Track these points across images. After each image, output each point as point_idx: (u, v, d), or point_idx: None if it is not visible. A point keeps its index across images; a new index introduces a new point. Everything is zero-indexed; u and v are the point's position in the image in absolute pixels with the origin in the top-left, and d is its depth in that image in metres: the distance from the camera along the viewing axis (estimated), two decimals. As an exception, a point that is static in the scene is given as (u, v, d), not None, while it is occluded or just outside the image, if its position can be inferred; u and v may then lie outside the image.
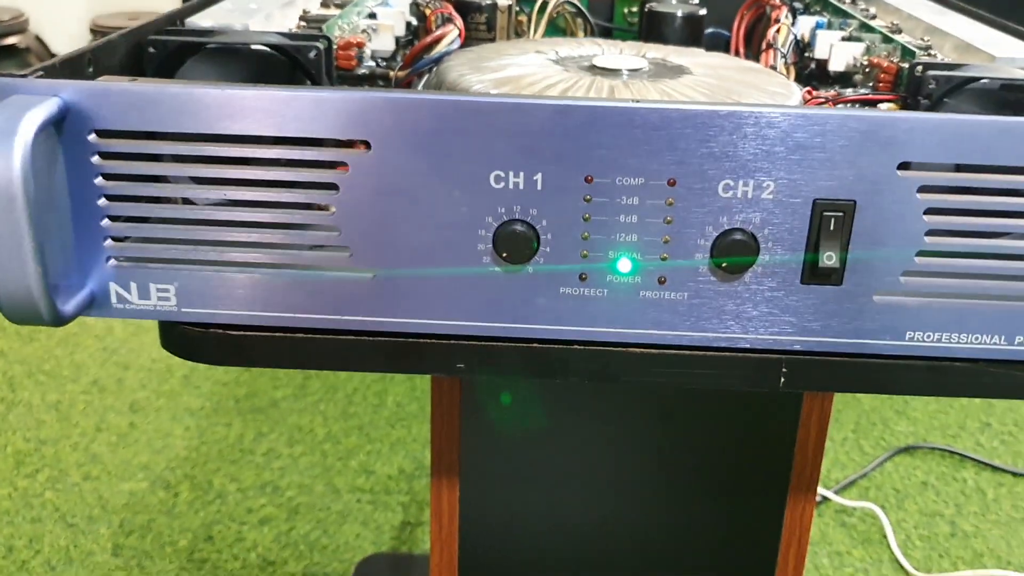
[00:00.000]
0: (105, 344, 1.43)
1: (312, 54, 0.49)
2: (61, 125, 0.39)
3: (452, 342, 0.43)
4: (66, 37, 2.54)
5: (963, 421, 1.32)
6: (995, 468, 1.23)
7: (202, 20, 0.54)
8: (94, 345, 1.42)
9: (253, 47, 0.50)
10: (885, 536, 1.10)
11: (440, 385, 0.58)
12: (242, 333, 0.42)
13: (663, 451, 0.62)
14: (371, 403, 1.33)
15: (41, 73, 0.40)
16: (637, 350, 0.42)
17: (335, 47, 0.52)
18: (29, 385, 1.34)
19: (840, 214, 0.39)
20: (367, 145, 0.39)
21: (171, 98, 0.39)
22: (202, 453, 1.21)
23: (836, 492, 1.17)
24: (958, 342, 0.41)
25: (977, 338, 0.41)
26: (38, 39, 2.47)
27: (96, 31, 2.39)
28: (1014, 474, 1.22)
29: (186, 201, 0.42)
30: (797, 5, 0.75)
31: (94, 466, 1.18)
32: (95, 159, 0.40)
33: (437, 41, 0.55)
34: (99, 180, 0.40)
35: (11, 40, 2.36)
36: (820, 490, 1.16)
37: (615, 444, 0.62)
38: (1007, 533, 1.12)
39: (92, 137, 0.39)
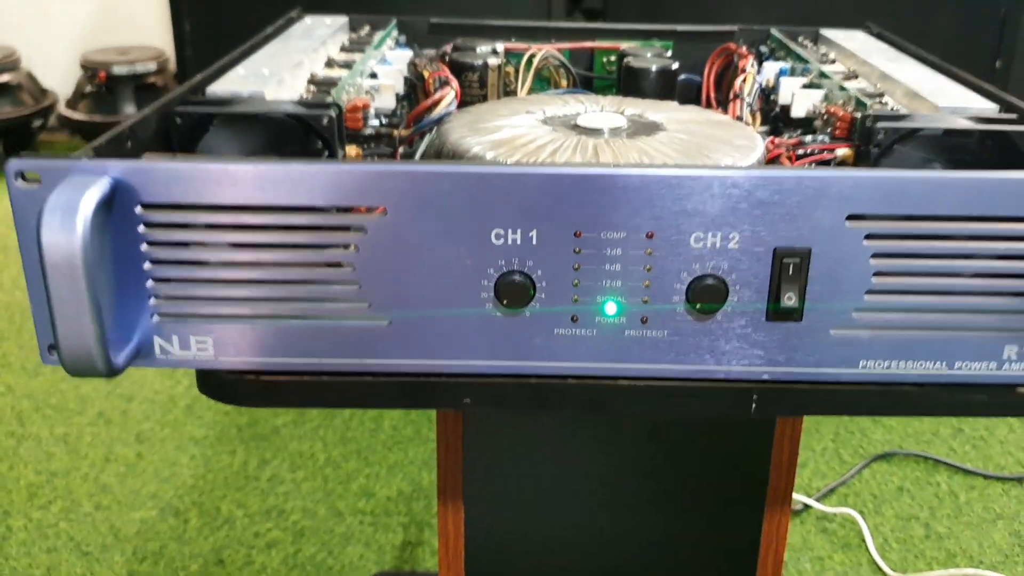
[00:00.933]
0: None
1: (325, 121, 0.55)
2: (111, 199, 0.44)
3: (460, 380, 0.48)
4: (57, 73, 2.58)
5: (936, 428, 1.39)
6: (967, 472, 1.29)
7: (221, 87, 0.59)
8: (97, 380, 1.46)
9: (271, 115, 0.55)
10: (864, 540, 1.16)
11: (444, 415, 0.64)
12: (273, 378, 0.48)
13: (651, 472, 0.67)
14: (368, 428, 1.38)
15: (92, 153, 0.46)
16: (624, 383, 0.48)
17: (344, 111, 0.57)
18: (37, 419, 1.38)
19: (798, 260, 0.45)
20: (384, 210, 0.44)
21: (209, 173, 0.44)
22: (208, 480, 1.26)
23: (817, 499, 1.23)
24: (905, 369, 0.47)
25: (922, 364, 0.47)
26: (30, 75, 2.52)
27: (86, 66, 2.43)
28: (985, 477, 1.28)
29: (222, 262, 0.47)
30: (763, 50, 0.81)
31: (105, 496, 1.23)
32: (141, 228, 0.45)
33: (436, 103, 0.60)
34: (144, 246, 0.45)
35: (4, 78, 2.41)
36: (802, 498, 1.22)
37: (606, 466, 0.67)
38: (978, 534, 1.18)
39: (138, 209, 0.44)
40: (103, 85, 2.41)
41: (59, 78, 2.58)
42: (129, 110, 2.41)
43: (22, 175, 0.44)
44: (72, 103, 2.48)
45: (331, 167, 0.44)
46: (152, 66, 2.42)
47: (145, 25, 2.58)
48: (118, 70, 2.39)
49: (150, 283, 0.46)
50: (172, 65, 2.46)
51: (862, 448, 1.34)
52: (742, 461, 0.65)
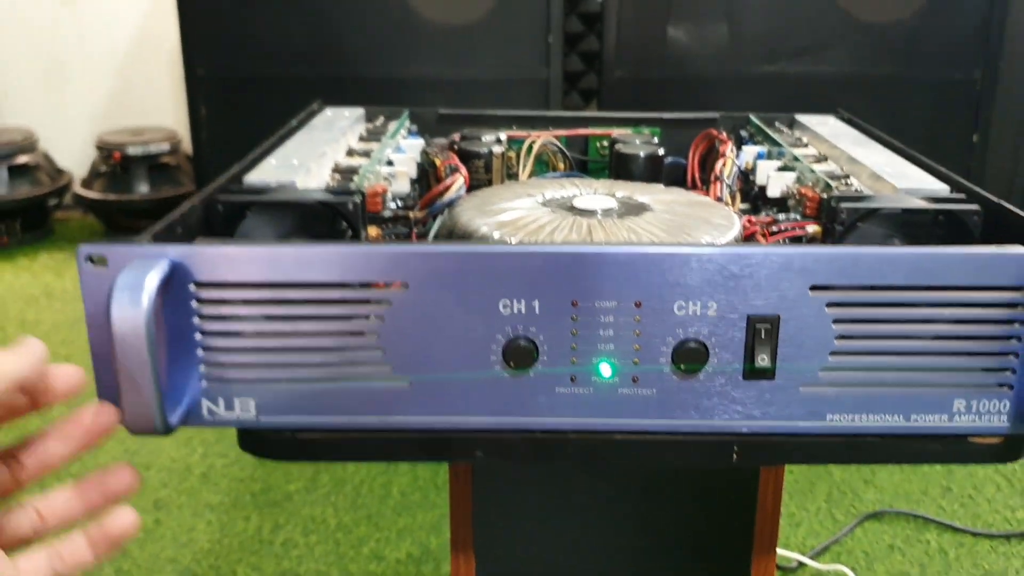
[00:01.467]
0: (126, 446, 1.53)
1: (351, 206, 0.61)
2: (169, 279, 0.50)
3: (472, 435, 0.54)
4: (73, 153, 2.68)
5: (925, 487, 1.43)
6: (956, 530, 1.34)
7: (256, 176, 0.66)
8: (115, 447, 1.52)
9: (303, 202, 0.62)
10: (858, 597, 1.20)
11: (456, 470, 0.69)
12: (307, 435, 0.54)
13: (647, 522, 0.72)
14: (378, 494, 1.43)
15: (151, 239, 0.52)
16: (619, 436, 0.54)
17: (366, 196, 0.64)
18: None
19: (769, 326, 0.51)
20: (406, 285, 0.51)
21: (255, 255, 0.50)
22: (225, 545, 1.30)
23: (811, 557, 1.27)
24: (868, 421, 0.53)
25: (883, 417, 0.53)
26: (46, 156, 2.61)
27: (101, 147, 2.53)
28: (973, 534, 1.33)
29: (264, 332, 0.53)
30: (743, 134, 0.89)
31: (125, 561, 1.27)
32: (193, 303, 0.51)
33: (447, 188, 0.67)
34: (196, 319, 0.52)
35: (23, 159, 2.50)
36: (796, 556, 1.26)
37: (605, 517, 0.73)
38: (969, 590, 1.22)
39: (192, 287, 0.51)
40: (118, 165, 2.50)
41: (75, 158, 2.68)
42: (143, 190, 2.49)
43: (91, 258, 0.51)
44: (87, 183, 2.57)
45: (361, 249, 0.50)
46: (165, 146, 2.51)
47: (158, 107, 2.68)
48: (132, 150, 2.49)
49: (200, 351, 0.52)
50: (184, 146, 2.55)
51: (854, 507, 1.39)
52: (729, 509, 0.70)
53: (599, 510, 0.73)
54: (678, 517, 0.72)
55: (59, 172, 2.63)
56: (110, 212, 2.55)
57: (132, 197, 2.49)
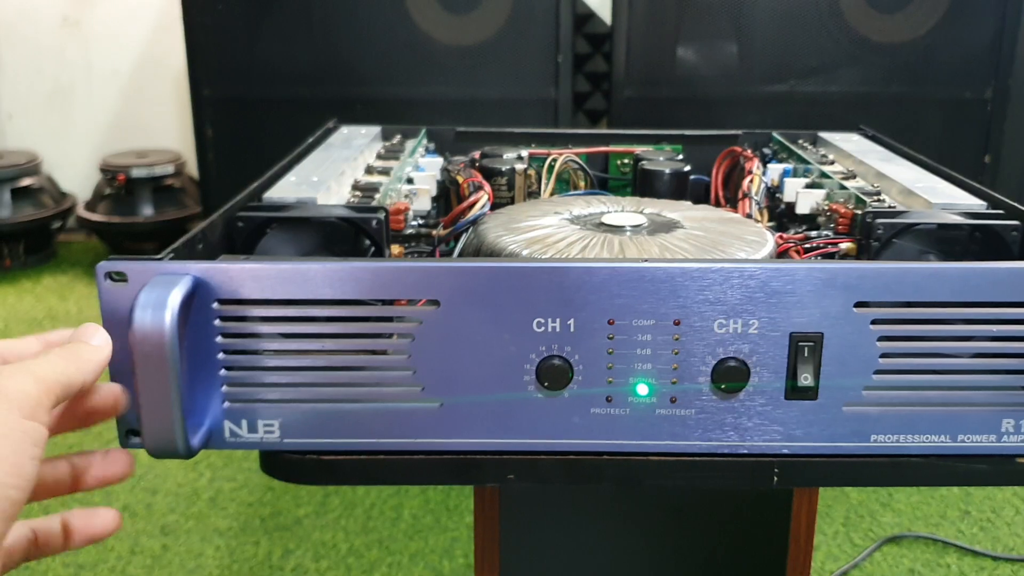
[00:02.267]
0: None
1: (374, 223, 0.60)
2: (191, 295, 0.49)
3: (504, 457, 0.52)
4: (77, 176, 2.67)
5: (944, 511, 1.41)
6: (976, 553, 1.31)
7: (276, 193, 0.64)
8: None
9: (325, 219, 0.61)
10: (880, 623, 1.18)
11: (482, 493, 0.68)
12: (334, 458, 0.52)
13: (679, 547, 0.71)
14: (389, 517, 1.41)
15: (172, 256, 0.51)
16: (656, 458, 0.52)
17: (389, 214, 0.63)
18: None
19: (812, 344, 0.49)
20: (436, 303, 0.49)
21: (282, 272, 0.49)
22: (233, 571, 1.28)
23: (831, 583, 1.25)
24: (912, 442, 0.51)
25: (928, 437, 0.51)
26: (50, 179, 2.60)
27: (105, 169, 2.52)
28: (994, 558, 1.31)
29: (289, 351, 0.51)
30: (766, 151, 0.87)
31: (130, 588, 1.25)
32: (217, 322, 0.50)
33: (472, 205, 0.66)
34: (219, 338, 0.50)
35: (27, 182, 2.49)
36: (816, 582, 1.24)
37: (636, 541, 0.71)
38: (992, 615, 1.20)
39: (215, 305, 0.49)
40: (122, 187, 2.49)
41: (79, 181, 2.67)
42: (147, 212, 2.48)
43: (111, 275, 0.49)
44: (91, 205, 2.55)
45: (391, 265, 0.49)
46: (170, 168, 2.50)
47: (163, 129, 2.67)
48: (137, 173, 2.47)
49: (223, 372, 0.50)
50: (189, 168, 2.54)
51: (872, 531, 1.37)
52: (762, 533, 0.69)
53: (628, 534, 0.71)
54: (709, 541, 0.70)
55: (63, 195, 2.61)
56: (114, 235, 2.54)
57: (136, 219, 2.48)
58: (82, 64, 2.66)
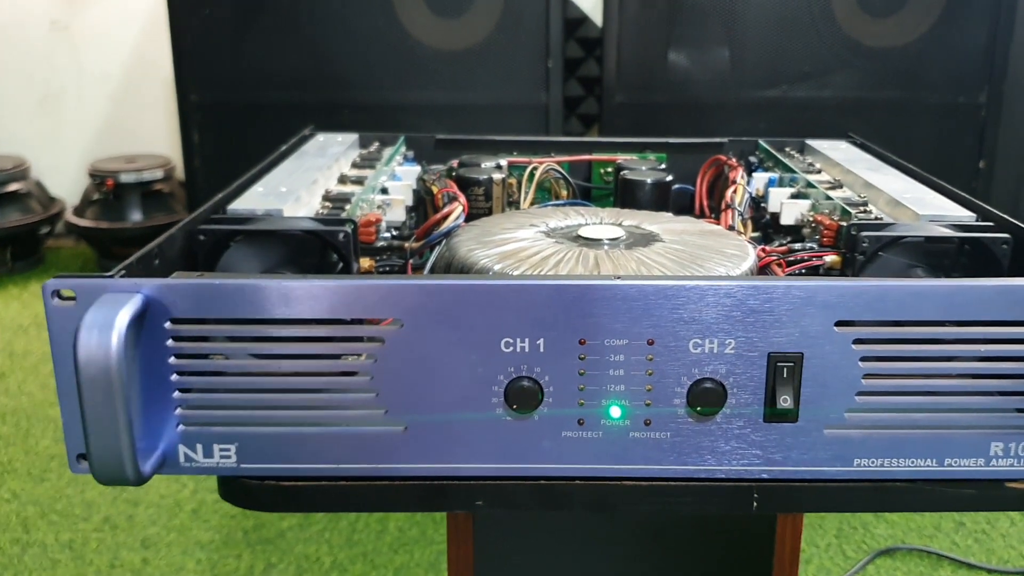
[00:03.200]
0: (114, 482, 1.48)
1: (341, 236, 0.58)
2: (143, 315, 0.47)
3: (472, 483, 0.50)
4: (65, 181, 2.65)
5: (938, 522, 1.39)
6: (970, 566, 1.29)
7: (242, 205, 0.62)
8: (100, 485, 1.47)
9: (290, 232, 0.58)
10: (872, 638, 1.16)
11: (455, 517, 0.65)
12: (293, 483, 0.50)
13: (658, 571, 0.68)
14: (374, 530, 1.38)
15: (124, 272, 0.49)
16: (629, 483, 0.50)
17: (358, 226, 0.61)
18: (43, 525, 1.39)
19: (791, 364, 0.47)
20: (400, 322, 0.47)
21: (236, 290, 0.47)
22: (214, 586, 1.25)
23: (823, 598, 1.23)
24: (898, 466, 0.49)
25: (913, 462, 0.49)
26: (38, 184, 2.58)
27: (94, 175, 2.49)
28: (988, 571, 1.28)
29: (246, 373, 0.49)
30: (752, 160, 0.85)
31: (109, 603, 1.22)
32: (170, 342, 0.47)
33: (445, 217, 0.64)
34: (172, 359, 0.48)
35: (13, 187, 2.47)
36: (807, 596, 1.22)
37: (613, 566, 0.69)
38: (987, 630, 1.18)
39: (168, 324, 0.47)
40: (111, 193, 2.46)
41: (67, 186, 2.64)
42: (136, 217, 2.46)
43: (58, 293, 0.47)
44: (79, 210, 2.53)
45: (352, 282, 0.47)
46: (159, 174, 2.48)
47: (152, 134, 2.65)
48: (126, 178, 2.45)
49: (177, 394, 0.48)
50: (178, 173, 2.52)
51: (865, 544, 1.35)
52: (745, 557, 0.66)
53: (608, 559, 0.68)
54: (691, 566, 0.68)
55: (51, 200, 2.59)
56: (103, 240, 2.51)
57: (125, 225, 2.45)
58: (71, 68, 2.64)
